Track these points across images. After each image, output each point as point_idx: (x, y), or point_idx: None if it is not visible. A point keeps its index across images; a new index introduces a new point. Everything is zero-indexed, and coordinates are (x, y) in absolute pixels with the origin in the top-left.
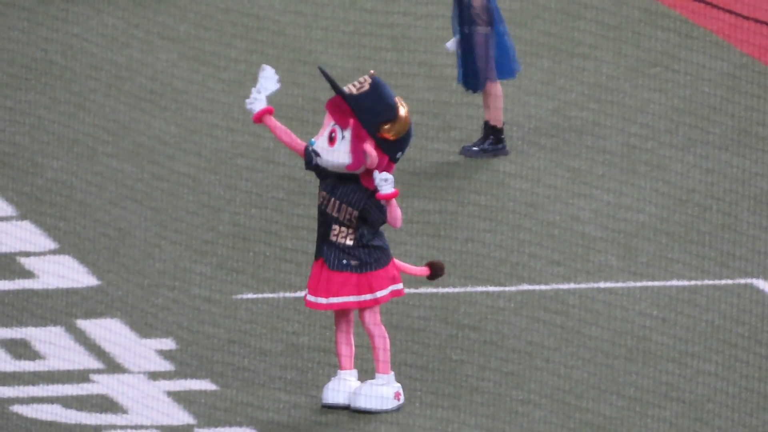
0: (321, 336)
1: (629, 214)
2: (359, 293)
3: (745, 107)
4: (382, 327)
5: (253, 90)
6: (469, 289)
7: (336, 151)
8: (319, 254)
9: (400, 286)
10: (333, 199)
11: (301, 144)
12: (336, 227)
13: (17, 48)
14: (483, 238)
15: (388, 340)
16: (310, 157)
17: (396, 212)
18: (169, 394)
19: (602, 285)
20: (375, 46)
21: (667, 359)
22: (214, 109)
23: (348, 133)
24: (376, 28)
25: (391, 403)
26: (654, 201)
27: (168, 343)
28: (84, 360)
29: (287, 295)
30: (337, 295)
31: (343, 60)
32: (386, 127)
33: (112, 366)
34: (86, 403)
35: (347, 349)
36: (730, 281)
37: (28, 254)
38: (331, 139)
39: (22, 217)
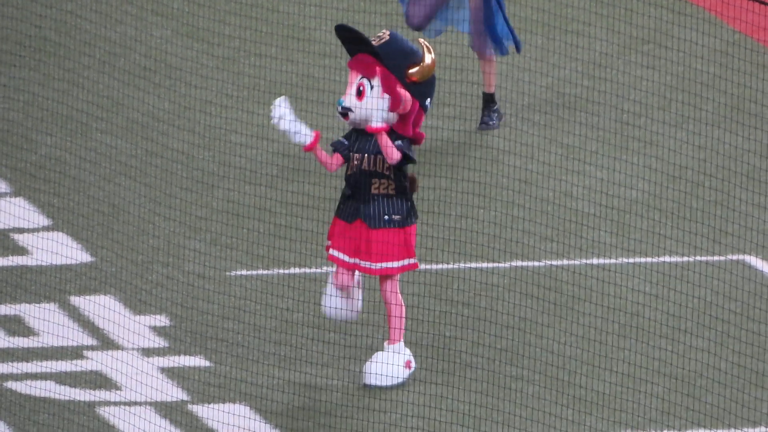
0: (314, 312)
1: (621, 190)
2: (400, 258)
3: (737, 84)
4: (399, 295)
5: (290, 123)
6: (461, 265)
7: (367, 105)
8: (355, 215)
9: (414, 259)
10: (367, 156)
11: (334, 158)
12: (376, 180)
13: (11, 24)
14: (476, 215)
15: (404, 308)
16: (344, 149)
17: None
18: (163, 370)
19: (595, 261)
20: (368, 22)
21: (659, 335)
22: (208, 86)
23: (376, 82)
24: (370, 4)
25: (402, 373)
26: (646, 177)
27: (161, 320)
28: (77, 336)
29: (281, 271)
30: (383, 260)
31: (336, 37)
32: (413, 70)
33: (106, 342)
34: (79, 379)
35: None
36: (721, 257)
37: (21, 231)
38: (359, 93)
39: (16, 193)
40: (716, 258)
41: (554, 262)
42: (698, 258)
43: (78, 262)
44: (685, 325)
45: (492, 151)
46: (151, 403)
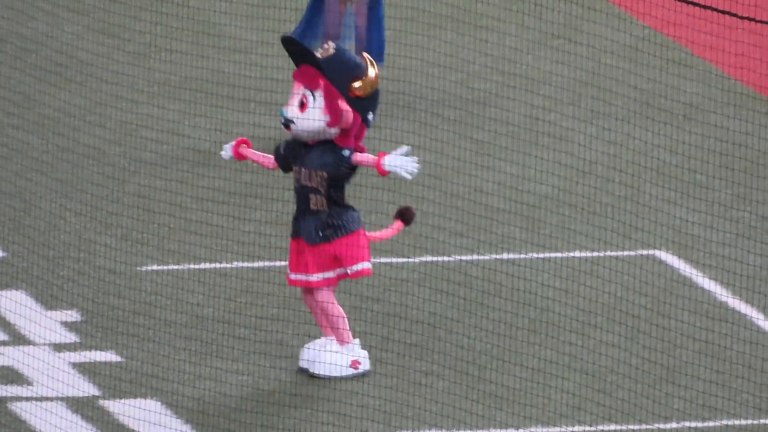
0: (225, 308)
1: (532, 185)
2: (331, 268)
3: (647, 79)
4: (337, 305)
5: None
6: (371, 260)
7: (310, 116)
8: (296, 233)
9: (368, 264)
10: (304, 170)
11: (270, 157)
12: (313, 197)
13: None
14: (386, 210)
15: (345, 318)
16: (279, 156)
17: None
18: (74, 365)
19: (505, 256)
20: (279, 18)
21: (569, 330)
22: (119, 81)
23: (319, 94)
24: (281, 0)
25: (345, 371)
26: (556, 172)
27: (72, 315)
28: None
29: (191, 266)
30: (316, 272)
31: (247, 32)
32: (356, 84)
33: (17, 338)
34: None
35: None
36: (632, 252)
37: None
38: (302, 105)
39: None
40: (626, 253)
41: (464, 257)
42: (608, 253)
43: None
44: (595, 320)
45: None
46: (62, 399)
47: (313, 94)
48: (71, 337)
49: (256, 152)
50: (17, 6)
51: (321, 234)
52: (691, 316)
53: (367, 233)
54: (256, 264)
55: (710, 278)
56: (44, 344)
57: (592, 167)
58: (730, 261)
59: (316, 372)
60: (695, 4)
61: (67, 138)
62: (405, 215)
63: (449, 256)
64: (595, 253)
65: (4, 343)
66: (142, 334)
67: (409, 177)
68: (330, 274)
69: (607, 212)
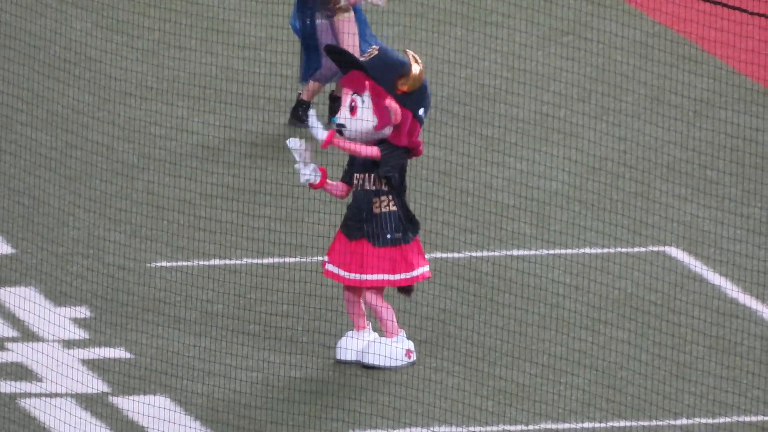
0: (235, 304)
1: (542, 182)
2: (392, 271)
3: (657, 75)
4: (383, 299)
5: (301, 167)
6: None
7: (359, 119)
8: (358, 234)
9: (426, 268)
10: (363, 175)
11: (343, 186)
12: (376, 200)
13: None
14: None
15: (391, 310)
16: (345, 174)
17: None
18: (84, 362)
19: (515, 253)
20: (288, 14)
21: (579, 327)
22: (128, 78)
23: (366, 96)
24: None
25: (401, 361)
26: (566, 169)
27: (83, 312)
28: None
29: (201, 263)
30: (374, 273)
31: (256, 29)
32: (401, 80)
33: (27, 334)
34: (1, 371)
35: (359, 309)
36: (642, 249)
37: None
38: (352, 109)
39: None
40: (637, 249)
41: (474, 254)
42: (619, 249)
43: None
44: (605, 316)
45: None
46: (72, 395)
47: (361, 97)
48: (81, 334)
49: (331, 184)
50: (26, 3)
51: (389, 237)
52: (702, 312)
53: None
54: (266, 260)
55: (721, 274)
56: (54, 341)
57: (602, 163)
58: (741, 257)
59: (373, 363)
60: (706, 0)
61: (76, 135)
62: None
63: (459, 252)
64: (606, 250)
65: (14, 340)
66: (152, 331)
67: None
68: (386, 277)
69: (618, 208)
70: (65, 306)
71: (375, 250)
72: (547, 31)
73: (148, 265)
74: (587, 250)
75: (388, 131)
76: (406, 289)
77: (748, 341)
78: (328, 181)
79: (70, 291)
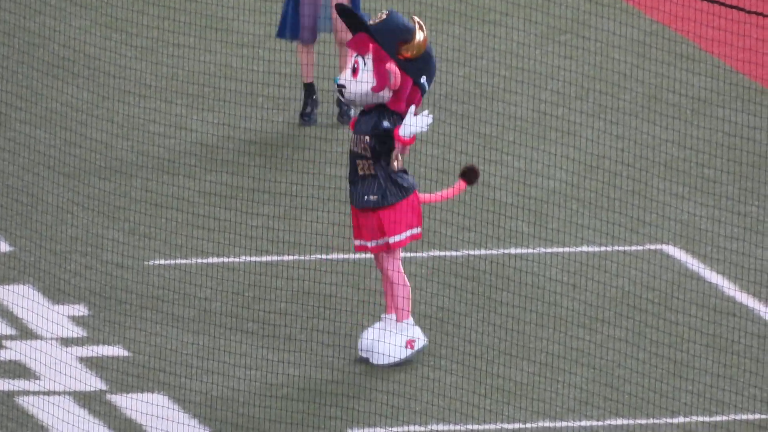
0: (233, 302)
1: (539, 180)
2: (376, 237)
3: (654, 74)
4: (402, 274)
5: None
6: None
7: (360, 80)
8: (350, 199)
9: (418, 230)
10: (354, 136)
11: None
12: (360, 162)
13: None
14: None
15: (408, 288)
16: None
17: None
18: (81, 360)
19: (512, 251)
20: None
21: (577, 325)
22: (126, 76)
23: (369, 58)
24: None
25: (402, 353)
26: (564, 167)
27: (80, 309)
28: None
29: (199, 261)
30: (370, 239)
31: (254, 26)
32: (405, 46)
33: (25, 332)
34: None
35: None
36: (639, 247)
37: None
38: (354, 71)
39: None
40: (634, 248)
41: (472, 252)
42: (616, 247)
43: None
44: (603, 314)
45: None
46: (69, 393)
47: (363, 59)
48: (78, 332)
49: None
50: (24, 1)
51: (366, 199)
52: (699, 310)
53: (421, 195)
54: (263, 258)
55: (718, 272)
56: (51, 338)
57: (599, 162)
58: (738, 255)
59: (375, 362)
60: None
61: (74, 132)
62: (468, 175)
63: (457, 250)
64: (603, 248)
65: (11, 338)
66: (150, 329)
67: (427, 129)
68: (381, 242)
69: (615, 207)
70: (63, 304)
71: (361, 214)
72: (545, 29)
73: (146, 263)
74: (585, 249)
75: (387, 95)
76: (469, 177)
77: (745, 339)
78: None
79: (68, 289)
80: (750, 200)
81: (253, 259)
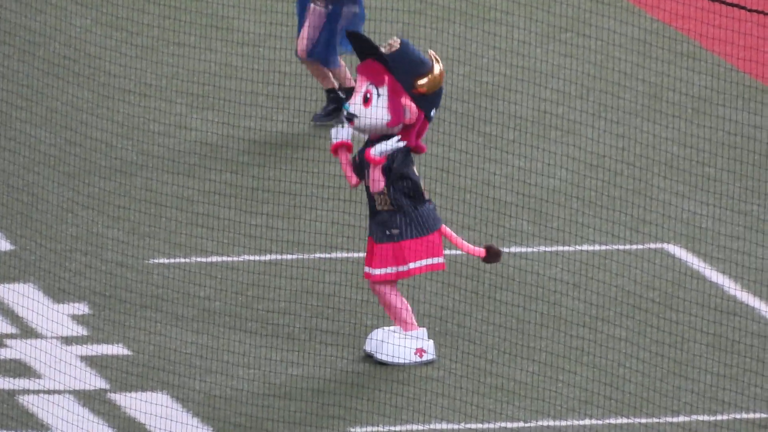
0: (234, 301)
1: (541, 179)
2: (395, 264)
3: (656, 72)
4: (397, 295)
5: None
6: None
7: (374, 110)
8: (370, 232)
9: (438, 260)
10: (366, 172)
11: (354, 177)
12: (377, 197)
13: None
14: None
15: (406, 304)
16: (356, 165)
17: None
18: (83, 359)
19: (514, 250)
20: (288, 11)
21: (578, 324)
22: (128, 75)
23: (384, 90)
24: None
25: (409, 356)
26: (565, 166)
27: (81, 308)
28: None
29: (200, 260)
30: (378, 267)
31: (256, 25)
32: (421, 82)
33: (26, 331)
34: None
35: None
36: (641, 246)
37: None
38: (366, 100)
39: None
40: (636, 246)
41: None
42: (618, 246)
43: None
44: (604, 314)
45: None
46: (71, 392)
47: (377, 90)
48: (80, 331)
49: (348, 163)
50: (25, 0)
51: (387, 233)
52: (701, 309)
53: (445, 229)
54: (264, 257)
55: (720, 272)
56: (53, 337)
57: (601, 161)
58: (740, 254)
59: (381, 359)
60: None
61: (76, 131)
62: (491, 252)
63: (458, 249)
64: (605, 247)
65: (12, 336)
66: (151, 328)
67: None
68: (390, 270)
69: (617, 206)
70: (64, 303)
71: (378, 245)
72: (546, 28)
73: (147, 262)
74: (586, 248)
75: (398, 129)
76: (491, 255)
77: (747, 339)
78: (346, 155)
79: (69, 288)
80: (752, 199)
81: (255, 258)
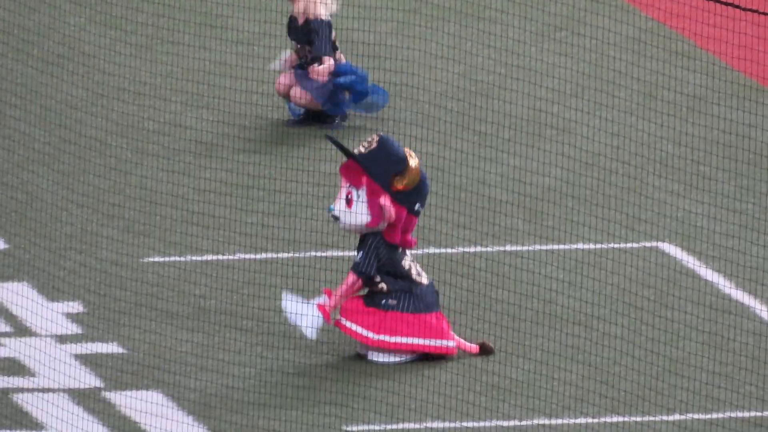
0: (228, 299)
1: (535, 177)
2: (377, 331)
3: (650, 71)
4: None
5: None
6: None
7: (354, 213)
8: (366, 302)
9: (441, 342)
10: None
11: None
12: (372, 287)
13: None
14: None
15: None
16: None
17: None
18: (77, 357)
19: (509, 248)
20: (282, 10)
21: (573, 322)
22: (122, 73)
23: (363, 192)
24: None
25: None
26: (560, 164)
27: (76, 307)
28: None
29: (194, 258)
30: (354, 322)
31: (250, 24)
32: (398, 178)
33: (20, 329)
34: None
35: None
36: (636, 244)
37: None
38: (348, 201)
39: None
40: (631, 245)
41: (468, 249)
42: (613, 245)
43: None
44: (599, 312)
45: (405, 138)
46: (65, 390)
47: (356, 191)
48: (74, 329)
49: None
50: None
51: (384, 303)
52: (695, 307)
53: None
54: (259, 256)
55: (714, 270)
56: (47, 336)
57: (595, 159)
58: (734, 253)
59: (373, 360)
60: None
61: (71, 130)
62: (484, 349)
63: (452, 248)
64: (599, 245)
65: (7, 335)
66: (146, 326)
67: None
68: (382, 338)
69: (611, 204)
70: (58, 301)
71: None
72: (540, 26)
73: (142, 260)
74: (581, 246)
75: (382, 227)
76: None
77: (741, 337)
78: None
79: (63, 286)
80: (746, 198)
81: (249, 256)
